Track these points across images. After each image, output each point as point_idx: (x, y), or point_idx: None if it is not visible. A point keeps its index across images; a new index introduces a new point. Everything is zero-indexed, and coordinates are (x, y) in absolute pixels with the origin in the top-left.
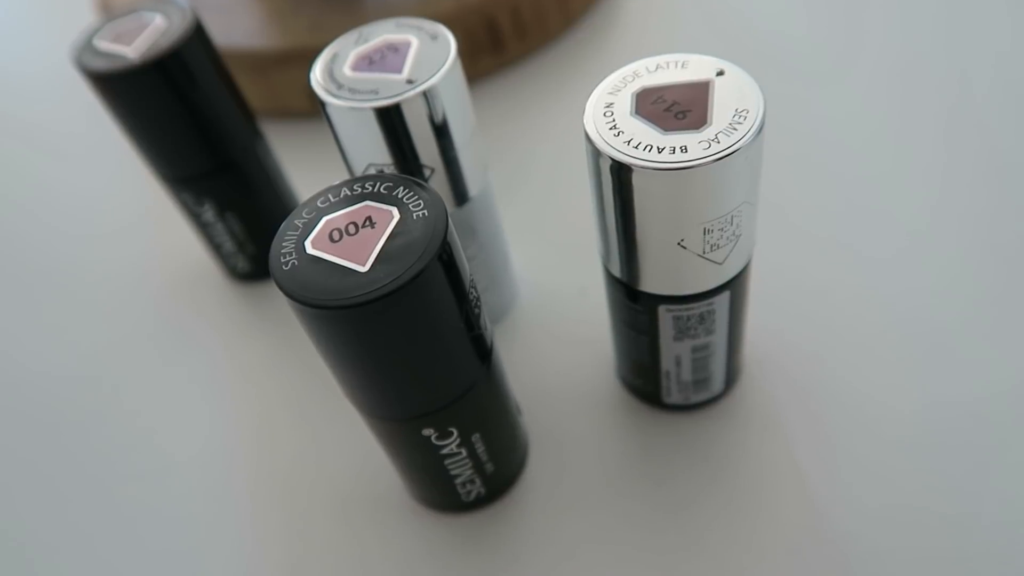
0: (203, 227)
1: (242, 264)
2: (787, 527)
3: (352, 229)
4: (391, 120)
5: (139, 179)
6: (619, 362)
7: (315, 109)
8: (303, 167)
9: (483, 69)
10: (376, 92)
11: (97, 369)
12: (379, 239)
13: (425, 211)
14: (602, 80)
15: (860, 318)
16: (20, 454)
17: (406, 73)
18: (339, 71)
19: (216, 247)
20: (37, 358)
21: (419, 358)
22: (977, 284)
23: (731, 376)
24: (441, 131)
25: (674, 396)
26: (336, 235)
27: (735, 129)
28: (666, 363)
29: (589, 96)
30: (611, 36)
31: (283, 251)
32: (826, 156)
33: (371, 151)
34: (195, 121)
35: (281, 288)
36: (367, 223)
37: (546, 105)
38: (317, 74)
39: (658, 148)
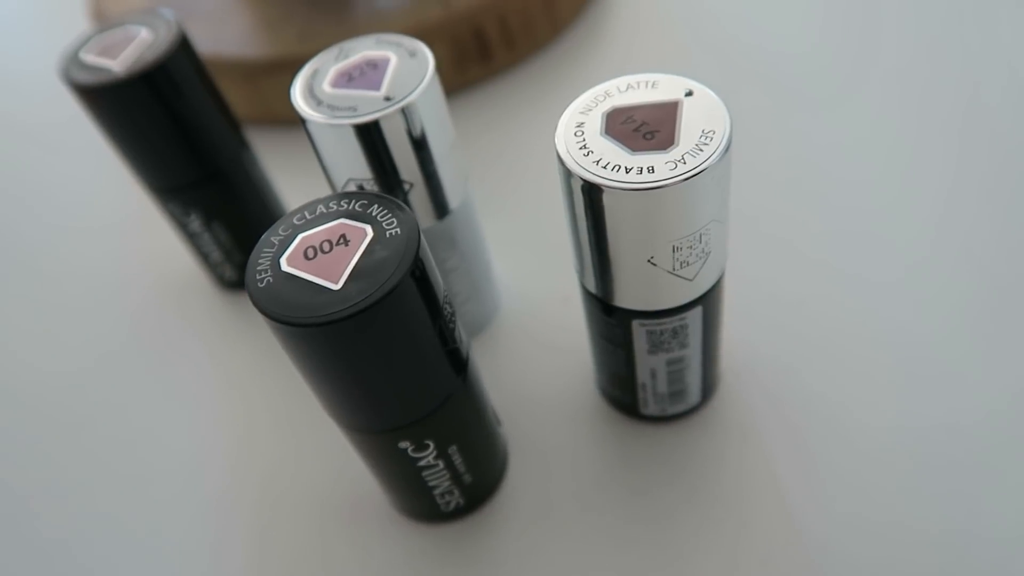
0: (190, 237)
1: (229, 273)
2: (764, 538)
3: (327, 247)
4: (370, 136)
5: (127, 187)
6: (598, 374)
7: None
8: (292, 174)
9: (471, 78)
10: (355, 109)
11: (82, 375)
12: (352, 257)
13: (398, 229)
14: (579, 96)
15: (837, 330)
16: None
17: (384, 90)
18: (319, 87)
19: (203, 256)
20: (21, 364)
21: (393, 373)
22: (953, 297)
23: (708, 388)
24: (420, 146)
25: (651, 408)
26: (311, 252)
27: (701, 150)
28: (642, 375)
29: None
30: (599, 45)
31: (259, 268)
32: (802, 170)
33: (351, 166)
34: (181, 132)
35: (256, 305)
36: (341, 241)
37: (533, 114)
38: (298, 90)
39: (626, 168)
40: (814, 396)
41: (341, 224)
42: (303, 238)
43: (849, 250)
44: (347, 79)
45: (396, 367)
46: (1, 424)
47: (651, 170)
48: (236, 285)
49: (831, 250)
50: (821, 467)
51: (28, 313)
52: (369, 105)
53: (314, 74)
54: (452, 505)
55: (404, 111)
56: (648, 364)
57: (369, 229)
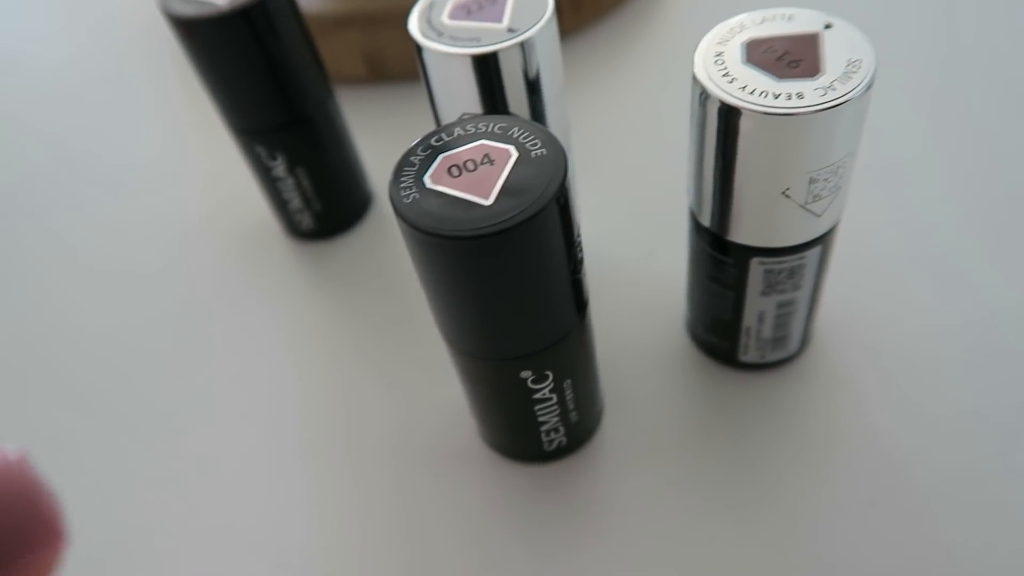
0: (272, 182)
1: (307, 222)
2: (863, 483)
3: (471, 165)
4: (487, 68)
5: (199, 134)
6: (694, 319)
7: (371, 75)
8: (358, 133)
9: None
10: (478, 40)
11: (154, 325)
12: (500, 175)
13: (543, 150)
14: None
15: (934, 284)
16: (81, 416)
17: (506, 22)
18: (437, 19)
19: (282, 203)
20: (91, 314)
21: (531, 296)
22: None
23: (807, 336)
24: (533, 85)
25: (751, 354)
26: (455, 171)
27: (850, 78)
28: (748, 319)
29: (697, 46)
30: (663, 9)
31: (402, 184)
32: (897, 110)
33: (463, 100)
34: (275, 73)
35: (405, 220)
36: (485, 160)
37: (599, 77)
38: (415, 21)
39: (773, 94)
40: (911, 347)
41: (483, 145)
42: (445, 157)
43: (947, 202)
44: (466, 12)
45: (536, 290)
46: (75, 376)
47: (800, 96)
48: (311, 235)
49: (927, 198)
50: (918, 416)
51: (99, 260)
52: (492, 37)
53: (431, 7)
54: (554, 444)
55: (523, 46)
56: (757, 307)
57: (513, 149)
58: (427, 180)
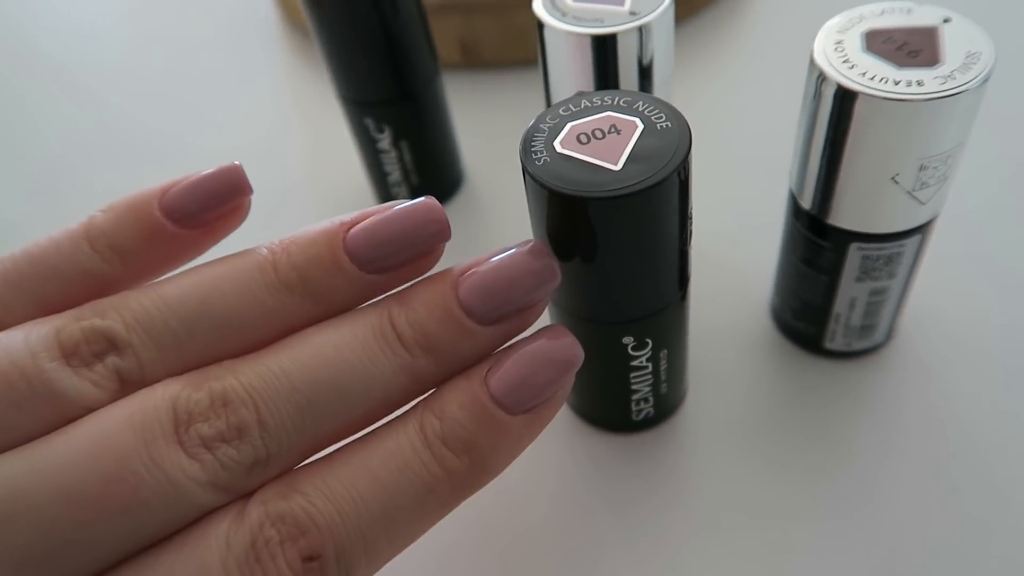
0: (375, 154)
1: (403, 195)
2: (945, 472)
3: (599, 134)
4: (604, 49)
5: (305, 104)
6: (782, 304)
7: (464, 60)
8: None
9: None
10: (600, 21)
11: None
12: (627, 143)
13: (668, 123)
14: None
15: (1021, 282)
16: None
17: (628, 5)
18: (561, 0)
19: (382, 175)
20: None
21: (647, 261)
22: None
23: (893, 327)
24: (646, 68)
25: (837, 342)
26: (584, 138)
27: (969, 69)
28: (839, 305)
29: (815, 35)
30: (766, 1)
31: (533, 149)
32: (1005, 109)
33: (578, 78)
34: (392, 47)
35: (536, 180)
36: (612, 130)
37: (703, 64)
38: (539, 1)
39: (893, 80)
40: (998, 345)
41: (609, 116)
42: (573, 126)
43: None
44: None
45: (651, 255)
46: None
47: (920, 83)
48: None
49: None
50: (1004, 413)
51: None
52: (614, 19)
53: None
54: (643, 414)
55: (641, 29)
56: (850, 293)
57: (638, 121)
58: (557, 145)
